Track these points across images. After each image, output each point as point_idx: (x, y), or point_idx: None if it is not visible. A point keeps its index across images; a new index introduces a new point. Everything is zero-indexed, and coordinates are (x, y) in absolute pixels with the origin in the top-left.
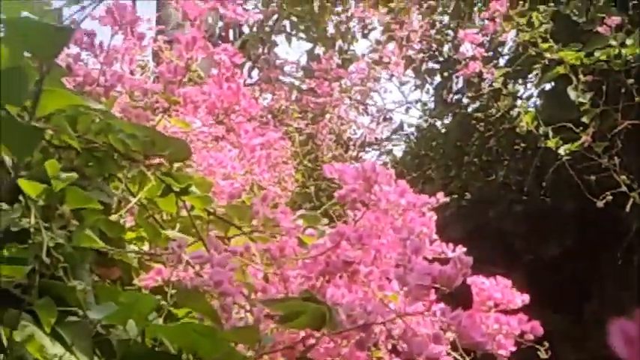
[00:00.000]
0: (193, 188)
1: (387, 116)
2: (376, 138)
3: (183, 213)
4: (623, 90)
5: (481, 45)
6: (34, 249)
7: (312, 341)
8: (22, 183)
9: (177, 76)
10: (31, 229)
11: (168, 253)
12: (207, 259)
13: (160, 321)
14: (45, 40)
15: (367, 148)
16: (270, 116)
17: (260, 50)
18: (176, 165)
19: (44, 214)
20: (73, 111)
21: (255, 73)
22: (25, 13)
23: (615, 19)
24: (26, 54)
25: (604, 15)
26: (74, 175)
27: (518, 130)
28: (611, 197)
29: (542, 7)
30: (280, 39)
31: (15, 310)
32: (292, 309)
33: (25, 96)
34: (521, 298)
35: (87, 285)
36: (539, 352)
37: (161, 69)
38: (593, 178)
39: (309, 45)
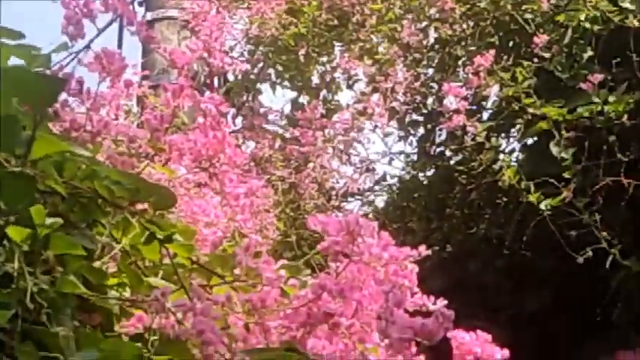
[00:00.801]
0: (177, 236)
1: (370, 167)
2: (359, 188)
3: (166, 260)
4: (605, 147)
5: (465, 99)
6: (17, 294)
7: None
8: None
9: (163, 124)
10: (15, 274)
11: (150, 301)
12: (189, 307)
13: None
14: (40, 90)
15: (349, 198)
16: (252, 164)
17: (244, 98)
18: (159, 212)
19: (28, 259)
20: (60, 157)
21: (239, 120)
22: (14, 58)
23: (598, 77)
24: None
25: (587, 72)
26: (59, 220)
27: (500, 184)
28: (591, 253)
29: (525, 63)
30: (265, 87)
31: None
32: (273, 359)
33: (18, 143)
34: (501, 353)
35: (69, 331)
36: None
37: (147, 116)
38: (573, 233)
39: (294, 94)
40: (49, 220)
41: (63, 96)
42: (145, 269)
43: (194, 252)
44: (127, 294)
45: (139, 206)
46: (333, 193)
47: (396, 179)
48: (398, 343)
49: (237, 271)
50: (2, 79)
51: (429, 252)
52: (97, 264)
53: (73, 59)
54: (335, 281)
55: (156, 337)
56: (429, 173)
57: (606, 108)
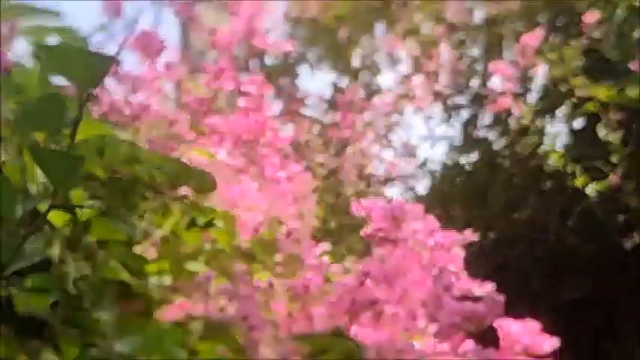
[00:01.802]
0: (217, 221)
1: (412, 151)
2: (400, 174)
3: (207, 246)
4: None
5: (511, 80)
6: (58, 279)
7: None
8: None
9: (203, 107)
10: (56, 260)
11: (192, 287)
12: (234, 293)
13: (184, 355)
14: (87, 68)
15: (390, 184)
16: (291, 149)
17: (283, 82)
18: (199, 196)
19: (67, 245)
20: (100, 140)
21: (277, 105)
22: (51, 39)
23: None
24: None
25: (636, 52)
26: (100, 205)
27: (544, 168)
28: (638, 239)
29: (574, 43)
30: (304, 70)
31: (37, 341)
32: (321, 345)
33: (63, 124)
34: (550, 343)
35: (111, 317)
36: None
37: (188, 99)
38: (620, 218)
39: (334, 77)
40: (89, 205)
41: None
42: (185, 255)
43: (236, 238)
44: (166, 281)
45: (180, 191)
46: (374, 178)
47: (438, 164)
48: (448, 328)
49: (278, 258)
50: (50, 55)
51: (475, 237)
52: (137, 250)
53: (111, 41)
54: (379, 267)
55: (198, 325)
56: (472, 158)
57: None
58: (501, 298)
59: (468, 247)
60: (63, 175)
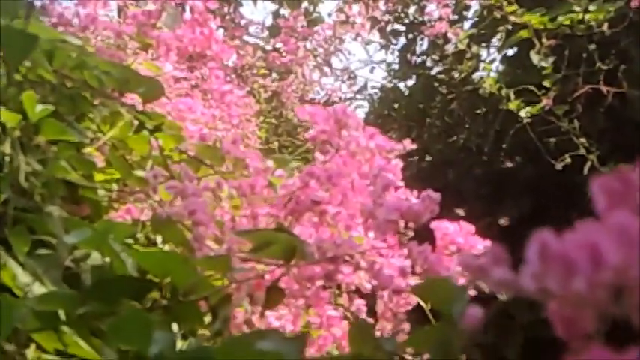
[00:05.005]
0: (165, 129)
1: (352, 75)
2: (340, 97)
3: (155, 153)
4: (584, 55)
5: (447, 6)
6: (10, 178)
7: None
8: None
9: (151, 19)
10: (7, 158)
11: (138, 192)
12: (181, 189)
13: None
14: None
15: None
16: (234, 76)
17: (225, 10)
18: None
19: (19, 145)
20: (50, 46)
21: (220, 32)
22: None
23: None
24: None
25: None
26: (51, 107)
27: (480, 92)
28: (569, 160)
29: None
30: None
31: None
32: (264, 239)
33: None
34: (484, 244)
35: (60, 212)
36: None
37: (135, 12)
38: (552, 140)
39: (275, 6)
40: (40, 107)
41: None
42: (133, 163)
43: (183, 142)
44: (114, 188)
45: (128, 99)
46: (315, 102)
47: (377, 89)
48: (385, 224)
49: (225, 163)
50: None
51: (415, 146)
52: (86, 152)
53: None
54: (323, 169)
55: (149, 220)
56: (410, 82)
57: (587, 16)
58: (438, 195)
59: (407, 169)
60: (18, 50)
